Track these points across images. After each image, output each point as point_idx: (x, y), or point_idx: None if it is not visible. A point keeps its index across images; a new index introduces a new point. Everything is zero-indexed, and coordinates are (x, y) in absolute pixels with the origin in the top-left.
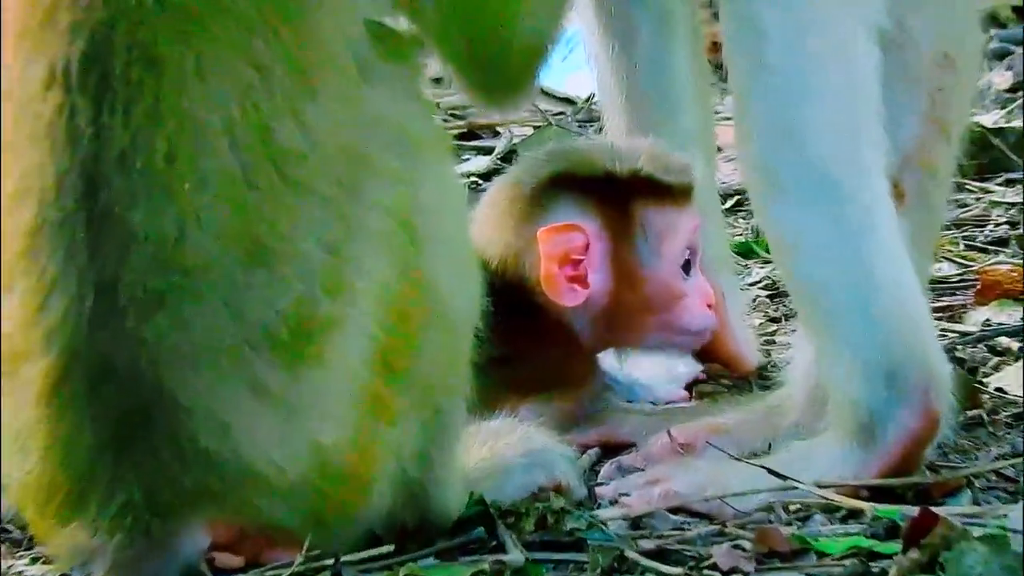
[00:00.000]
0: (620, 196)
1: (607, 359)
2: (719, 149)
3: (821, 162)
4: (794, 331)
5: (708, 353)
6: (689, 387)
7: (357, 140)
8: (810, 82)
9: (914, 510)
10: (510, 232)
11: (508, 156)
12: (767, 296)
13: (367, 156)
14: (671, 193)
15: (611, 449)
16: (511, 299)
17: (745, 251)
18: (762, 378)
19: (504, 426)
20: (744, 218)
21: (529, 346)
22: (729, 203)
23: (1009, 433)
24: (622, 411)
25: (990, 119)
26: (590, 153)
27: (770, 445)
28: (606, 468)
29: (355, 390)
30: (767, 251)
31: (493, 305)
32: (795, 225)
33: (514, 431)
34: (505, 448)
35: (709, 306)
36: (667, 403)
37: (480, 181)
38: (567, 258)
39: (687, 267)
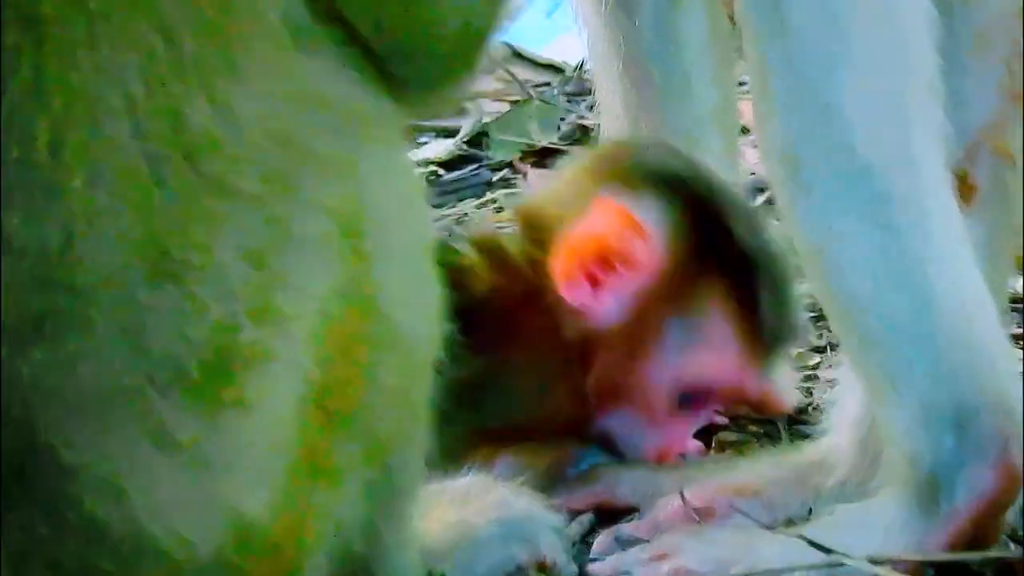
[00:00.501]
0: (716, 263)
1: None
2: (744, 130)
3: (859, 149)
4: (842, 364)
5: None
6: (705, 435)
7: (289, 124)
8: (843, 47)
9: None
10: (573, 187)
11: (477, 139)
12: (809, 318)
13: (302, 144)
14: (763, 341)
15: (608, 515)
16: (495, 302)
17: None
18: (800, 424)
19: (474, 485)
20: (779, 219)
21: (510, 374)
22: (759, 199)
23: None
24: (622, 467)
25: None
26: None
27: (810, 510)
28: (602, 539)
29: (285, 442)
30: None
31: (464, 323)
32: (828, 229)
33: (487, 492)
34: (475, 514)
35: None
36: (678, 456)
37: (441, 170)
38: (608, 251)
39: (692, 405)
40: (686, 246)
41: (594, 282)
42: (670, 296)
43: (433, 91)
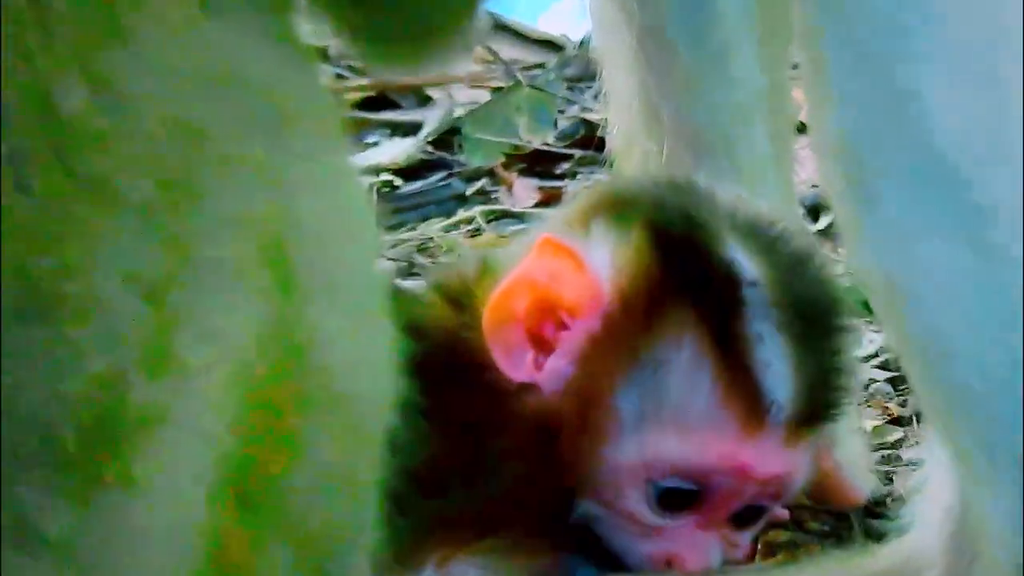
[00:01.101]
0: (689, 299)
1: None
2: (801, 127)
3: (944, 148)
4: (929, 439)
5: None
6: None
7: (193, 111)
8: (921, 17)
9: None
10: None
11: (446, 138)
12: (886, 380)
13: (210, 139)
14: (771, 403)
15: None
16: (461, 359)
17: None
18: (876, 518)
19: None
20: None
21: (480, 450)
22: (823, 222)
23: None
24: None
25: None
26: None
27: None
28: None
29: (185, 536)
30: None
31: (425, 383)
32: (903, 254)
33: None
34: None
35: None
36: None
37: (398, 180)
38: (552, 306)
39: (686, 506)
40: (644, 281)
41: (539, 346)
42: (622, 349)
43: (425, 36)
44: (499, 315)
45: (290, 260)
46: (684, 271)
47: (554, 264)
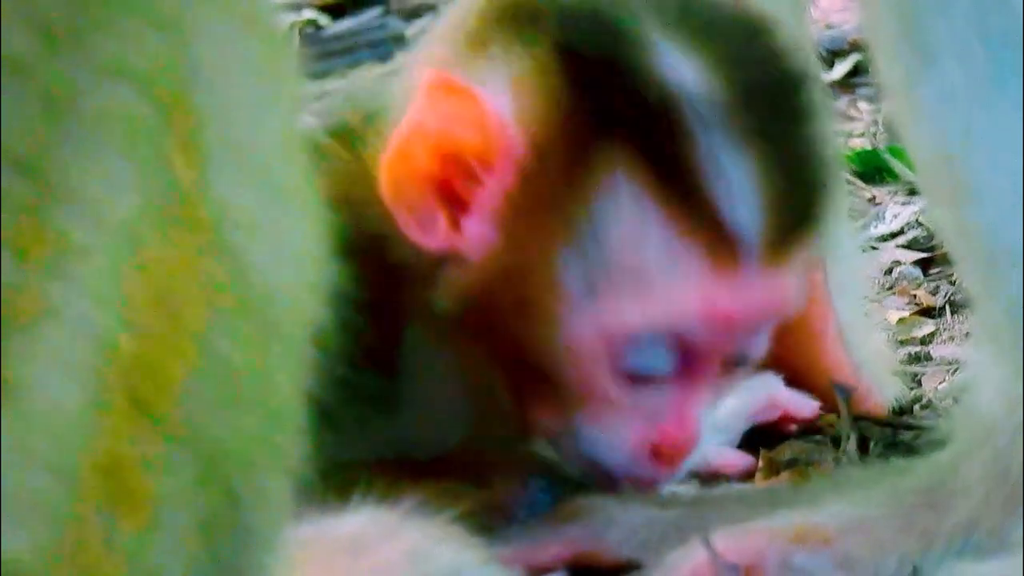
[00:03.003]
0: (620, 121)
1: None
2: None
3: None
4: (967, 336)
5: (792, 380)
6: (752, 444)
7: None
8: None
9: None
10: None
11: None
12: (914, 263)
13: None
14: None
15: (590, 574)
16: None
17: (868, 165)
18: (901, 429)
19: (373, 528)
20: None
21: (424, 363)
22: (839, 70)
23: None
24: (612, 501)
25: None
26: None
27: (915, 570)
28: None
29: (68, 448)
30: (910, 167)
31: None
32: (967, 129)
33: (392, 538)
34: (374, 572)
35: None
36: (707, 478)
37: (324, 18)
38: (456, 157)
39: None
40: (559, 116)
41: (451, 204)
42: (549, 207)
43: None
44: (397, 174)
45: (191, 118)
46: (605, 97)
47: (448, 106)
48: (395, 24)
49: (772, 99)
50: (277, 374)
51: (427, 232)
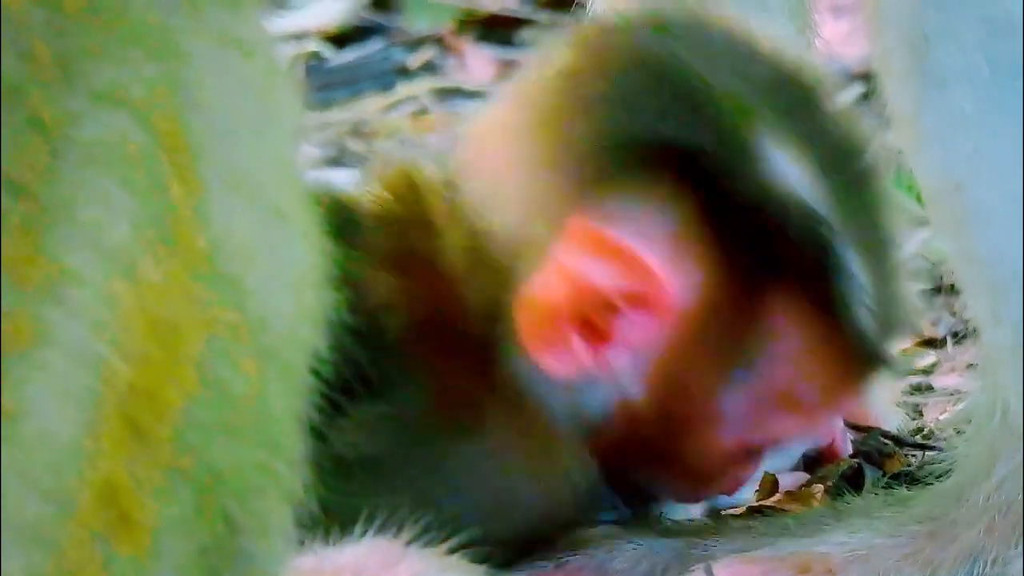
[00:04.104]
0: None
1: None
2: None
3: None
4: (969, 367)
5: None
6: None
7: None
8: None
9: None
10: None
11: None
12: (920, 292)
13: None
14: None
15: None
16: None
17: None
18: (905, 454)
19: (376, 555)
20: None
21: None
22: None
23: None
24: (616, 530)
25: None
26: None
27: None
28: None
29: (64, 474)
30: (918, 197)
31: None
32: (975, 156)
33: (397, 567)
34: None
35: None
36: (712, 512)
37: (328, 49)
38: (605, 299)
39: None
40: (715, 264)
41: (590, 335)
42: (717, 345)
43: None
44: (538, 312)
45: (188, 146)
46: (756, 238)
47: (595, 253)
48: (398, 55)
49: (861, 195)
50: (275, 400)
51: (559, 362)
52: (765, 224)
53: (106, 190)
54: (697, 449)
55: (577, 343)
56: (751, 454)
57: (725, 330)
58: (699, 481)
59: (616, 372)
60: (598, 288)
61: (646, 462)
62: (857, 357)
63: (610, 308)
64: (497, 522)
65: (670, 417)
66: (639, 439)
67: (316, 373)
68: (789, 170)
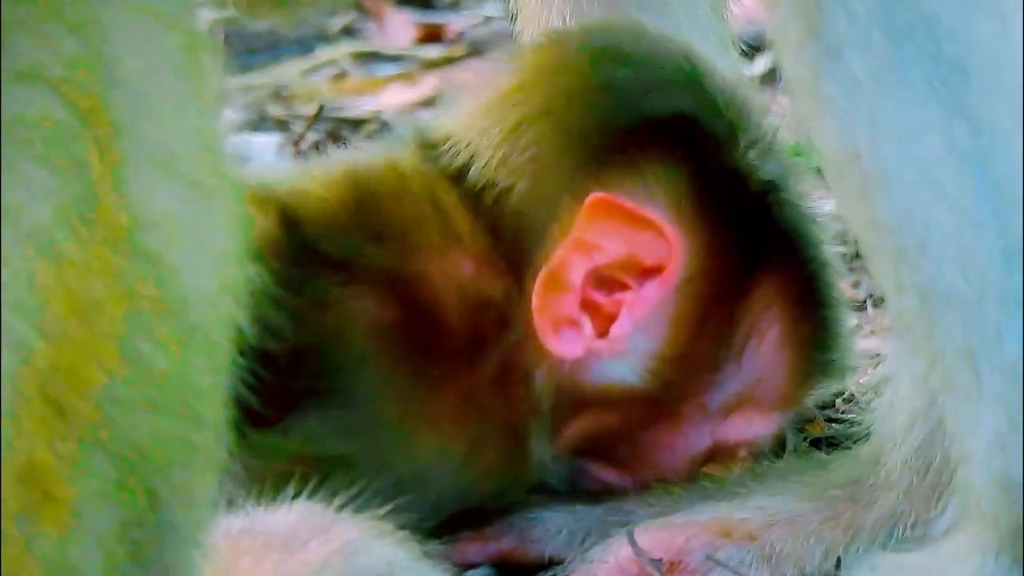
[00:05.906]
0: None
1: None
2: None
3: None
4: (893, 330)
5: None
6: None
7: None
8: None
9: None
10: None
11: None
12: (840, 257)
13: None
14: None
15: (517, 571)
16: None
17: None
18: (824, 421)
19: (305, 522)
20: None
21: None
22: (761, 64)
23: None
24: (538, 498)
25: None
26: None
27: (839, 561)
28: None
29: None
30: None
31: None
32: (871, 121)
33: (325, 533)
34: (306, 568)
35: None
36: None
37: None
38: (609, 273)
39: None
40: (722, 247)
41: (596, 314)
42: (711, 330)
43: None
44: (552, 288)
45: (109, 122)
46: (755, 227)
47: (614, 222)
48: (317, 19)
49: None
50: (197, 375)
51: (566, 343)
52: (753, 208)
53: (27, 170)
54: (672, 443)
55: (586, 322)
56: (718, 454)
57: (717, 313)
58: (660, 477)
59: (620, 352)
60: (611, 259)
61: (615, 453)
62: (822, 358)
63: (619, 284)
64: (425, 491)
65: (661, 407)
66: (620, 428)
67: (240, 341)
68: (771, 166)
